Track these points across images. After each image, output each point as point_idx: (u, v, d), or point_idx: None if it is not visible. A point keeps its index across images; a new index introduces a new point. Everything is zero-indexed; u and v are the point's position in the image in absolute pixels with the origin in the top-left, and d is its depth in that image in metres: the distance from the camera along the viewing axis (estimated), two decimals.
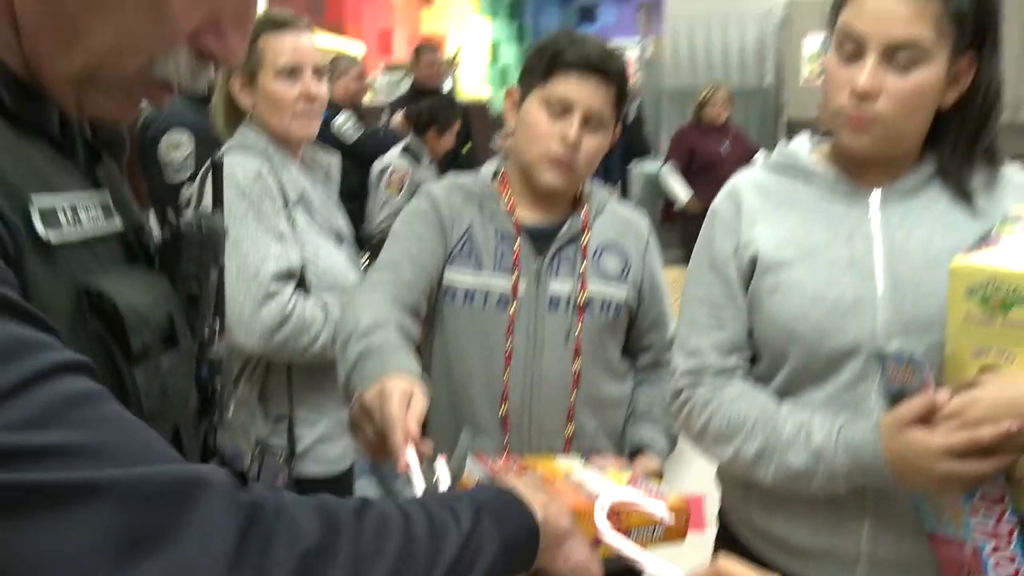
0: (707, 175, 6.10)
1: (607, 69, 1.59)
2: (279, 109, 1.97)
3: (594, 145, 1.61)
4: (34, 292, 0.60)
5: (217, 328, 0.88)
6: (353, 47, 6.87)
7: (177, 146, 3.33)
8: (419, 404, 1.15)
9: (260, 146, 1.96)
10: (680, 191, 6.16)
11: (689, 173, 6.19)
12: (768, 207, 1.41)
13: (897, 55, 1.25)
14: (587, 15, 11.60)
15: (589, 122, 1.59)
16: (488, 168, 1.76)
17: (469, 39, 10.13)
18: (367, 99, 6.31)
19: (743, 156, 6.34)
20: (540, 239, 1.64)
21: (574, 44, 1.59)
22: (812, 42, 6.94)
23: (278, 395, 1.95)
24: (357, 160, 4.59)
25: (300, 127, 2.00)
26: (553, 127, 1.58)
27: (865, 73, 1.25)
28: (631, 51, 8.89)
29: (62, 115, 0.74)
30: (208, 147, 2.61)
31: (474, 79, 10.14)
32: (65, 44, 0.66)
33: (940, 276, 1.25)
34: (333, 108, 5.06)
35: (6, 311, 0.53)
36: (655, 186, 6.73)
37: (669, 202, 6.45)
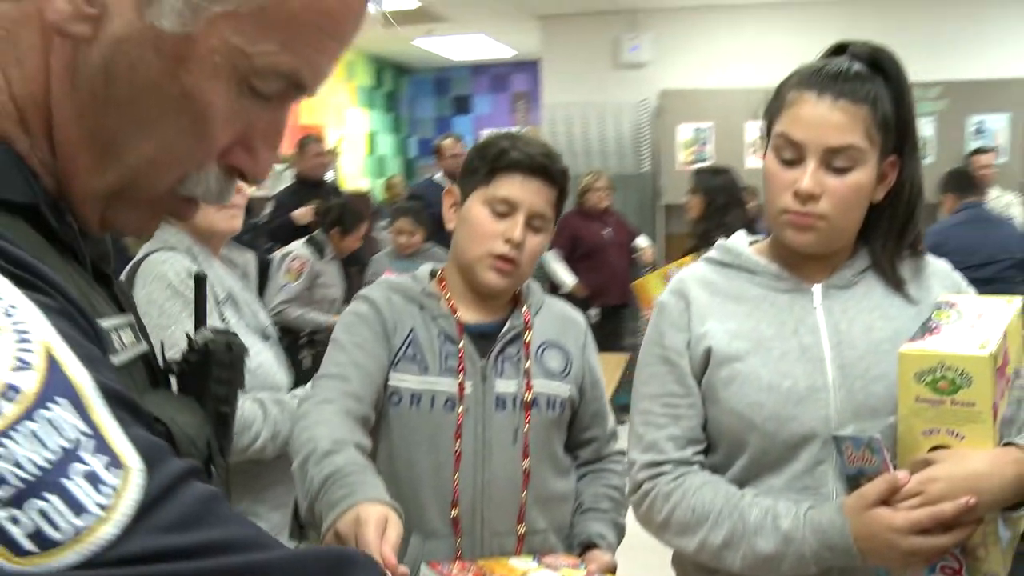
0: (591, 260, 6.25)
1: (550, 171, 1.62)
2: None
3: (536, 244, 1.63)
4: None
5: None
6: None
7: None
8: (394, 531, 1.16)
9: (184, 245, 1.93)
10: (565, 277, 6.25)
11: (573, 259, 6.30)
12: (716, 301, 1.46)
13: (834, 159, 1.34)
14: (462, 105, 11.81)
15: (532, 222, 1.60)
16: (424, 269, 1.75)
17: (348, 130, 10.17)
18: (251, 191, 6.22)
19: (625, 241, 6.52)
20: (482, 339, 1.64)
21: (517, 145, 1.61)
22: (684, 130, 7.27)
23: None
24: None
25: (224, 220, 1.97)
26: (497, 227, 1.59)
27: (807, 177, 1.34)
28: None
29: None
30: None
31: (353, 169, 10.16)
32: (101, 161, 0.65)
33: (885, 361, 1.35)
34: None
35: (134, 414, 0.54)
36: (539, 272, 6.82)
37: (554, 286, 6.55)
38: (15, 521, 0.46)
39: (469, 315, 1.65)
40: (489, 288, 1.62)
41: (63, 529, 0.47)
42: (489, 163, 1.61)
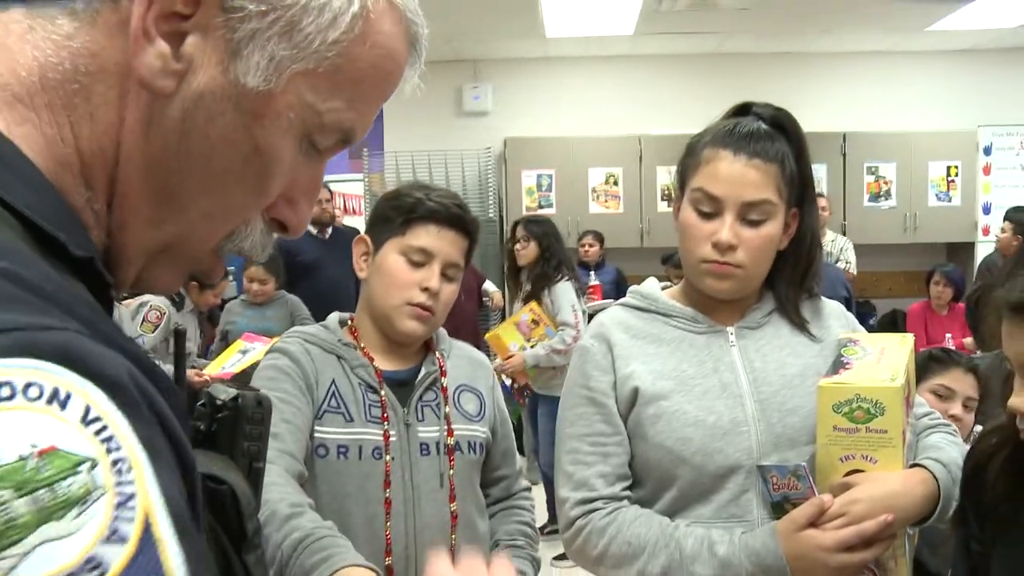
0: None
1: (464, 221, 1.67)
2: None
3: (450, 293, 1.67)
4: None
5: None
6: None
7: None
8: None
9: None
10: None
11: None
12: (637, 343, 1.53)
13: (750, 213, 1.46)
14: None
15: (446, 271, 1.64)
16: (333, 318, 1.75)
17: None
18: None
19: (474, 286, 6.56)
20: (400, 386, 1.67)
21: (431, 196, 1.65)
22: (528, 177, 7.43)
23: None
24: None
25: None
26: (413, 276, 1.62)
27: (726, 229, 1.45)
28: (352, 187, 9.03)
29: None
30: None
31: None
32: (161, 213, 0.64)
33: (798, 395, 1.48)
34: None
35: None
36: None
37: None
38: None
39: (384, 363, 1.67)
40: (408, 336, 1.65)
41: None
42: (404, 213, 1.64)
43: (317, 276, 6.02)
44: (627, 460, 1.51)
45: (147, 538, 0.44)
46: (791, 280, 1.56)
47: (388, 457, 1.59)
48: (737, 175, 1.45)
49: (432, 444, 1.64)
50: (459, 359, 1.76)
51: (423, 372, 1.68)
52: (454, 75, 7.87)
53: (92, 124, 0.60)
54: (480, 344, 6.52)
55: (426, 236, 1.62)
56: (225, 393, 0.77)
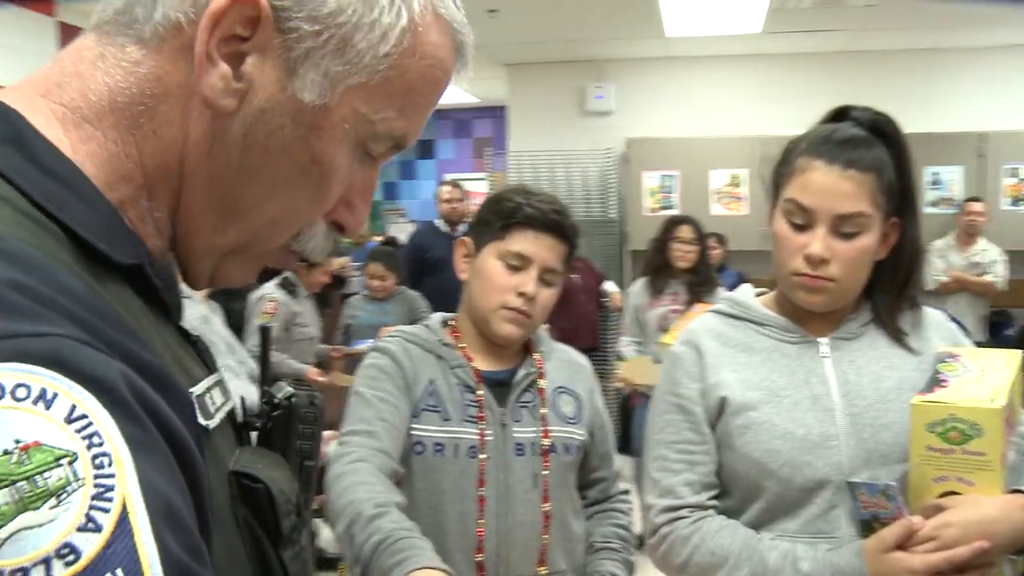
0: (560, 306, 6.21)
1: (562, 227, 1.69)
2: None
3: (547, 297, 1.69)
4: (209, 484, 0.60)
5: None
6: None
7: None
8: None
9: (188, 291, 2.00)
10: None
11: None
12: (727, 352, 1.52)
13: (843, 225, 1.42)
14: (425, 150, 11.90)
15: (544, 276, 1.67)
16: (436, 318, 1.80)
17: None
18: None
19: (593, 286, 6.59)
20: (498, 387, 1.69)
21: (531, 201, 1.67)
22: (650, 177, 7.39)
23: None
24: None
25: None
26: (511, 280, 1.65)
27: (818, 243, 1.41)
28: (476, 185, 9.17)
29: None
30: None
31: None
32: (226, 221, 0.69)
33: (893, 410, 1.43)
34: None
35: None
36: None
37: None
38: None
39: (483, 363, 1.70)
40: (504, 339, 1.68)
41: None
42: (503, 218, 1.67)
43: (443, 273, 6.15)
44: (714, 469, 1.51)
45: (122, 528, 0.46)
46: (890, 290, 1.52)
47: (483, 456, 1.62)
48: (830, 186, 1.41)
49: (527, 445, 1.66)
50: (559, 361, 1.79)
51: (521, 373, 1.71)
52: (578, 75, 7.88)
53: (156, 141, 0.64)
54: (597, 342, 6.56)
55: (524, 241, 1.65)
56: (282, 392, 0.80)
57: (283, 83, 0.65)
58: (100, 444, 0.47)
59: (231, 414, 0.75)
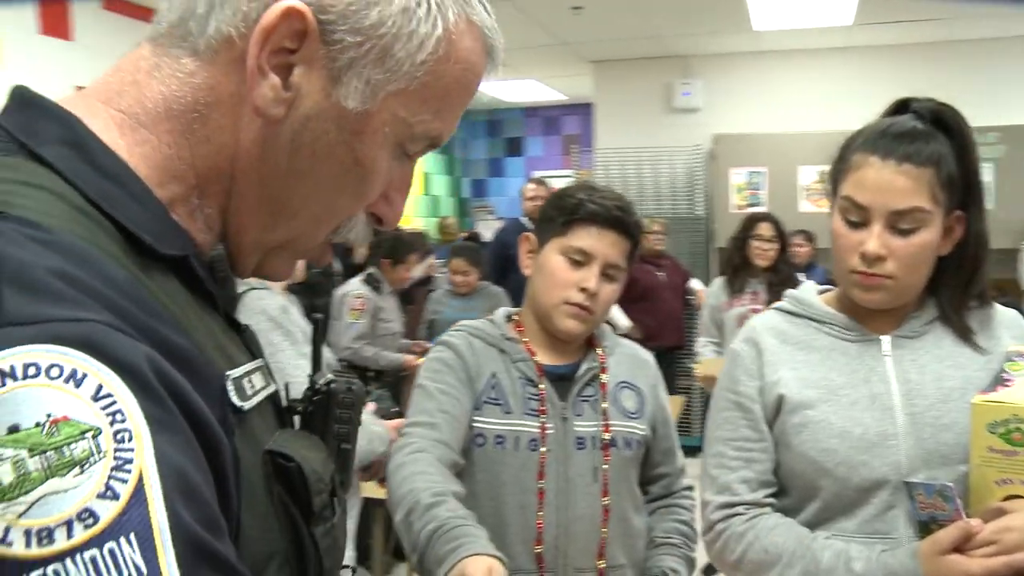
0: (645, 303, 6.26)
1: (625, 223, 1.69)
2: None
3: (610, 293, 1.70)
4: (240, 464, 0.64)
5: None
6: None
7: None
8: None
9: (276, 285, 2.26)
10: (620, 319, 6.28)
11: (627, 301, 6.32)
12: (787, 350, 1.51)
13: (900, 222, 1.39)
14: (514, 147, 11.97)
15: (606, 272, 1.68)
16: (500, 313, 1.83)
17: None
18: None
19: (679, 283, 6.56)
20: (560, 381, 1.72)
21: (593, 198, 1.68)
22: (738, 174, 7.31)
23: None
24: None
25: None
26: (573, 276, 1.67)
27: (873, 240, 1.39)
28: (562, 183, 9.18)
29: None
30: None
31: (407, 210, 10.31)
32: (275, 220, 0.74)
33: (955, 410, 1.39)
34: None
35: (209, 565, 0.55)
36: None
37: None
38: None
39: (546, 357, 1.72)
40: (566, 334, 1.70)
41: None
42: (566, 214, 1.68)
43: None
44: (771, 467, 1.50)
45: (138, 497, 0.51)
46: (955, 286, 1.48)
47: (544, 449, 1.64)
48: (885, 183, 1.38)
49: (588, 439, 1.68)
50: (622, 356, 1.80)
51: (583, 368, 1.72)
52: (664, 71, 7.84)
53: (208, 145, 0.70)
54: (683, 340, 6.52)
55: (587, 237, 1.66)
56: (323, 379, 0.85)
57: (328, 91, 0.69)
58: (122, 421, 0.52)
59: (274, 397, 0.79)
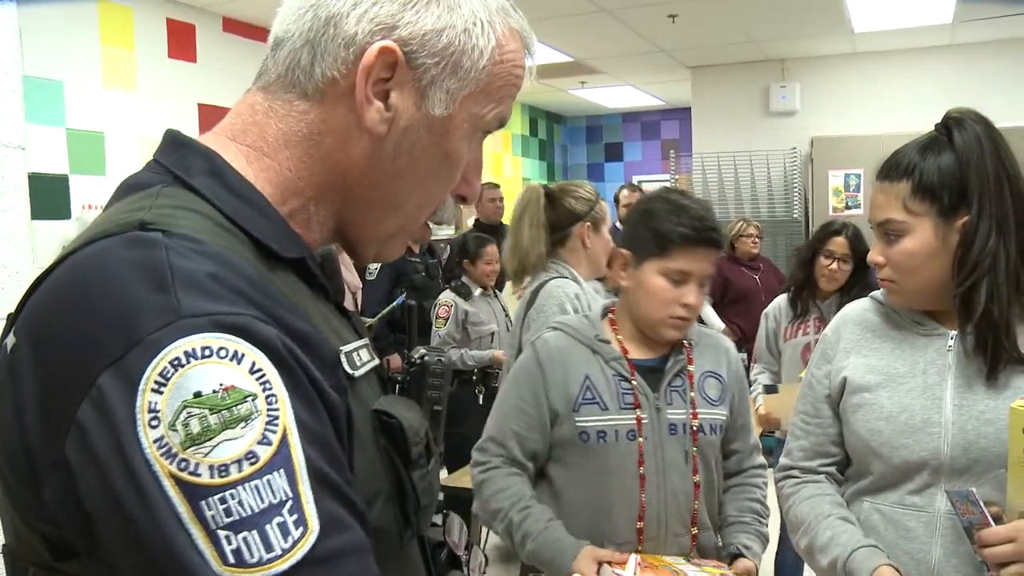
0: (740, 305, 6.24)
1: (715, 239, 1.87)
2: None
3: (703, 296, 1.91)
4: (353, 419, 0.79)
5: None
6: None
7: None
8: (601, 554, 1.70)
9: (570, 274, 2.73)
10: (714, 322, 6.30)
11: (723, 304, 6.34)
12: (865, 337, 1.68)
13: (887, 232, 1.57)
14: (614, 152, 12.07)
15: (703, 284, 1.89)
16: (597, 310, 2.02)
17: (503, 178, 10.57)
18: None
19: (775, 287, 6.53)
20: (650, 373, 1.91)
21: (683, 220, 1.83)
22: (835, 176, 7.29)
23: None
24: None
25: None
26: (674, 294, 1.86)
27: (872, 250, 1.64)
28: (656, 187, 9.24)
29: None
30: None
31: (508, 215, 10.48)
32: (387, 214, 0.91)
33: (1001, 406, 1.48)
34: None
35: (332, 492, 0.71)
36: None
37: None
38: (229, 540, 0.64)
39: (637, 353, 1.92)
40: (669, 342, 1.92)
41: (256, 556, 0.64)
42: (660, 239, 1.84)
43: None
44: (828, 440, 1.69)
45: (284, 443, 0.68)
46: (996, 285, 1.50)
47: (641, 438, 1.84)
48: (872, 200, 1.61)
49: (679, 425, 1.87)
50: (705, 347, 1.98)
51: (672, 361, 1.91)
52: (761, 75, 7.89)
53: (323, 164, 0.86)
54: None
55: (684, 259, 1.83)
56: (418, 354, 1.05)
57: (419, 105, 0.86)
58: (270, 388, 0.68)
59: (378, 370, 0.94)
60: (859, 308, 1.73)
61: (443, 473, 4.78)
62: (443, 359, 1.06)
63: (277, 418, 0.68)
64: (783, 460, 1.76)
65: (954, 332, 1.58)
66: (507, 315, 4.98)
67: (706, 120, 8.20)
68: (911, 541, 1.55)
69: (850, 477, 1.70)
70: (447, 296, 4.98)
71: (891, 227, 1.56)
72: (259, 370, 0.68)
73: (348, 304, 2.94)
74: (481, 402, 4.79)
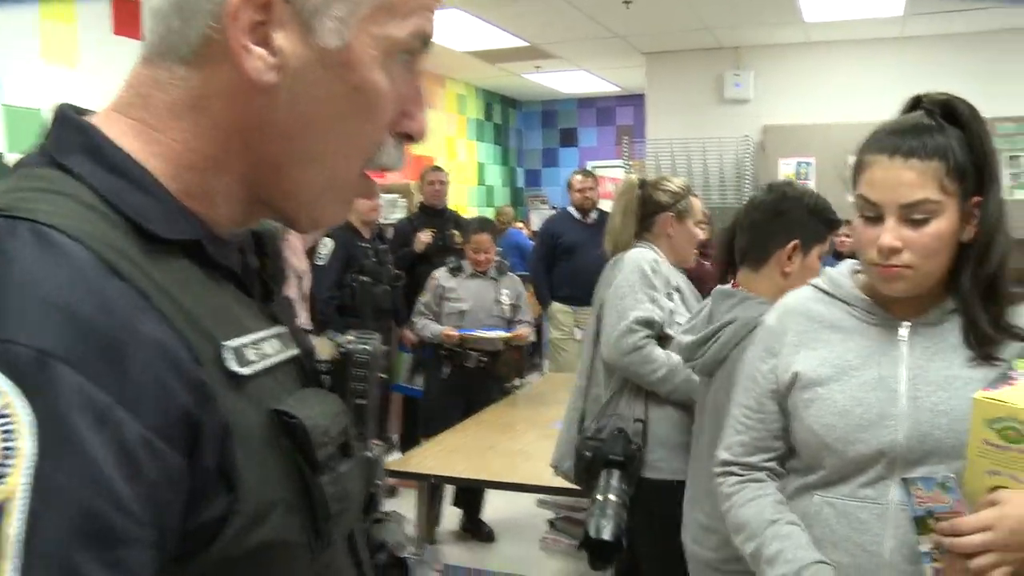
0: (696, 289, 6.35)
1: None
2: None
3: None
4: (232, 420, 0.69)
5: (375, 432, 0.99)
6: None
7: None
8: None
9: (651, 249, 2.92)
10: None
11: None
12: (813, 328, 1.64)
13: (911, 213, 1.45)
14: (568, 138, 12.07)
15: None
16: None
17: (457, 162, 10.52)
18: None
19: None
20: None
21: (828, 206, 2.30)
22: (787, 165, 7.35)
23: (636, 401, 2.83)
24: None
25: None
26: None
27: (887, 233, 1.46)
28: (614, 172, 9.30)
29: (243, 259, 0.86)
30: None
31: (462, 200, 10.49)
32: (302, 171, 0.80)
33: (956, 397, 1.48)
34: (349, 228, 5.45)
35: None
36: None
37: None
38: None
39: None
40: None
41: None
42: (829, 226, 2.31)
43: (574, 257, 6.36)
44: (770, 435, 1.67)
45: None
46: (975, 274, 1.51)
47: None
48: (892, 179, 1.45)
49: None
50: None
51: None
52: (715, 63, 7.90)
53: (216, 131, 0.76)
54: None
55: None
56: (343, 341, 0.94)
57: (307, 41, 0.75)
58: (12, 440, 0.57)
59: (301, 359, 0.86)
60: (802, 298, 1.69)
61: (395, 455, 4.75)
62: (369, 347, 0.95)
63: (3, 476, 0.56)
64: (723, 455, 1.73)
65: (907, 322, 1.56)
66: (499, 301, 5.09)
67: (660, 106, 8.20)
68: (863, 533, 1.52)
69: (796, 470, 1.66)
70: (438, 271, 5.18)
71: (924, 208, 1.45)
72: (5, 415, 0.58)
73: (291, 290, 2.85)
74: (445, 377, 5.03)
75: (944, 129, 1.47)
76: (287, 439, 0.75)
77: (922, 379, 1.52)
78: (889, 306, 1.58)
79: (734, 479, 1.69)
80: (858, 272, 1.65)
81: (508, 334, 5.04)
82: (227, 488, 0.68)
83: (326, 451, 0.77)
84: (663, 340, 2.81)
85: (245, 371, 0.74)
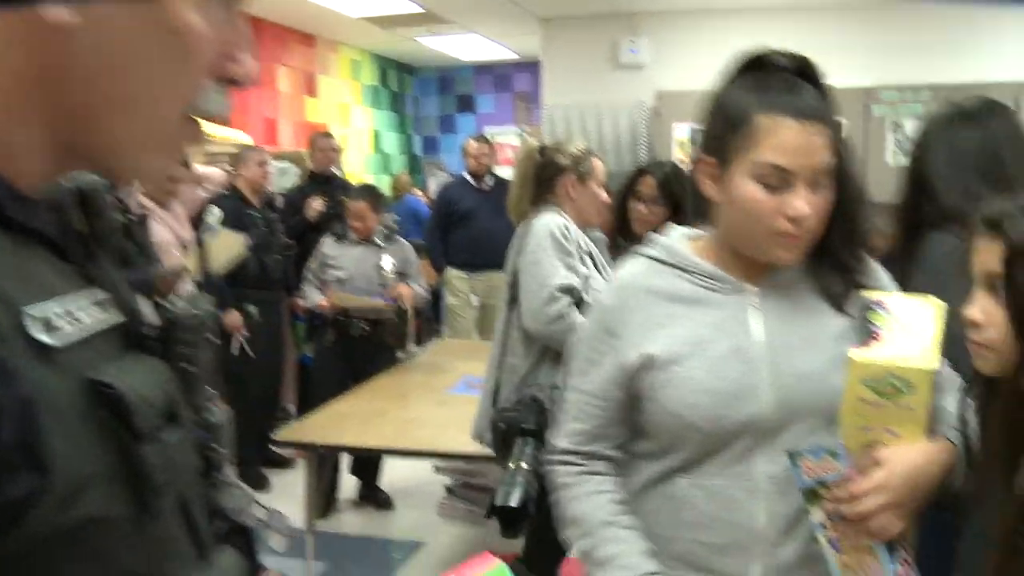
0: None
1: None
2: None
3: None
4: (39, 394, 0.64)
5: (214, 395, 0.95)
6: (239, 137, 6.96)
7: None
8: None
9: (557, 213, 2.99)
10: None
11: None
12: (660, 304, 1.51)
13: (820, 178, 1.40)
14: (466, 104, 11.97)
15: None
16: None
17: (352, 129, 10.35)
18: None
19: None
20: None
21: None
22: (681, 129, 7.41)
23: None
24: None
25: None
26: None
27: (801, 201, 1.38)
28: (510, 138, 9.26)
29: (61, 219, 0.80)
30: None
31: (358, 167, 10.33)
32: (113, 119, 0.73)
33: (814, 358, 1.45)
34: (238, 196, 5.30)
35: None
36: None
37: None
38: None
39: None
40: None
41: None
42: None
43: (470, 224, 6.32)
44: (609, 422, 1.57)
45: None
46: (835, 236, 1.48)
47: None
48: (804, 144, 1.38)
49: None
50: None
51: None
52: (611, 29, 7.87)
53: (11, 78, 0.68)
54: None
55: None
56: (170, 305, 0.87)
57: None
58: None
59: (128, 326, 0.81)
60: (637, 272, 1.56)
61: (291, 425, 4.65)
62: (200, 312, 0.89)
63: None
64: (562, 443, 1.61)
65: (755, 288, 1.49)
66: (380, 268, 4.99)
67: (556, 73, 8.16)
68: (736, 511, 1.45)
69: (650, 454, 1.54)
70: (325, 238, 5.14)
71: (828, 172, 1.41)
72: None
73: (173, 259, 2.71)
74: (329, 345, 5.03)
75: (816, 92, 1.43)
76: (104, 410, 0.70)
77: (780, 345, 1.46)
78: (734, 271, 1.51)
79: (574, 468, 1.59)
80: (693, 239, 1.58)
81: (384, 302, 4.93)
82: (33, 466, 0.63)
83: (148, 421, 0.73)
84: (580, 306, 2.77)
85: (54, 342, 0.68)
